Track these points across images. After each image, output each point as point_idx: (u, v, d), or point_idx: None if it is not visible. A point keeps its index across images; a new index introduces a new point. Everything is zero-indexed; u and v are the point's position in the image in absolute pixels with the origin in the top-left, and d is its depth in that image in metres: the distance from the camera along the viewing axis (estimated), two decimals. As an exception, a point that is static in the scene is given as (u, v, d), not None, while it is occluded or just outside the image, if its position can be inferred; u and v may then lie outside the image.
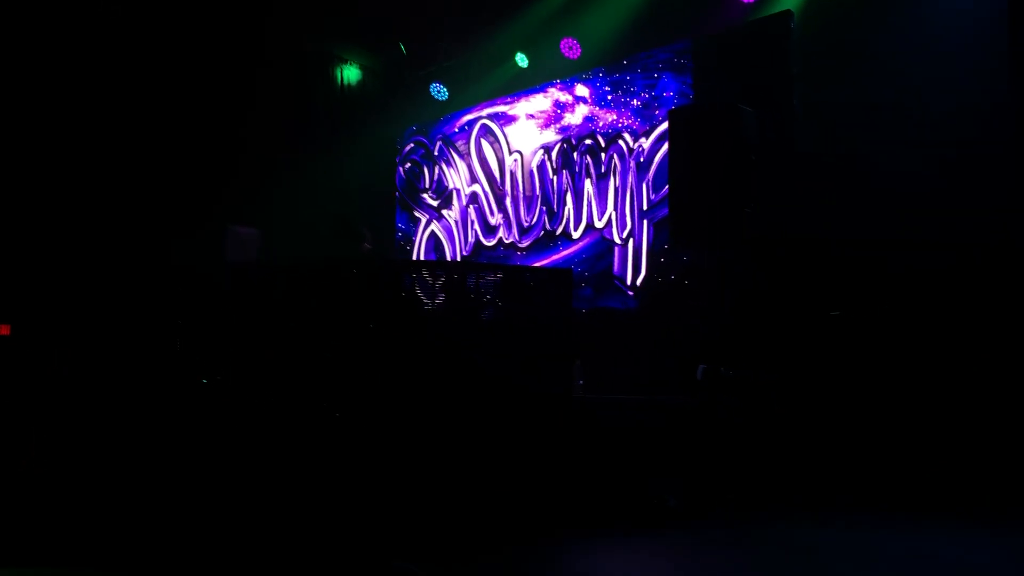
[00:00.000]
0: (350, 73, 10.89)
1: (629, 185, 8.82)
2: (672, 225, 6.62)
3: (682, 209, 6.44)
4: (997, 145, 5.83)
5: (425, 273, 6.28)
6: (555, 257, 9.54)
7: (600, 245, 9.08)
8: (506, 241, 10.14)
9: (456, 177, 10.83)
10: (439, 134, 11.03)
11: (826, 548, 3.99)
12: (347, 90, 10.83)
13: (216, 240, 8.46)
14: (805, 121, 6.71)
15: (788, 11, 7.01)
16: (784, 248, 6.22)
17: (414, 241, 11.28)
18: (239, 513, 4.69)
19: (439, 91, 10.72)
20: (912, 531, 4.27)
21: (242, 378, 6.32)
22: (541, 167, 9.81)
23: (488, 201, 10.41)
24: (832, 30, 6.84)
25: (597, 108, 9.24)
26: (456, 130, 10.82)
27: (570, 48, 9.24)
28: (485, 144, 10.46)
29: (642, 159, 8.68)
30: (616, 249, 8.88)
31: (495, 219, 10.32)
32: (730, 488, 5.34)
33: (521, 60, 9.80)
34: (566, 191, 9.47)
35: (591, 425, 6.44)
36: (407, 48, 10.40)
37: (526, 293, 6.70)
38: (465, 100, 10.54)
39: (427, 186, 11.19)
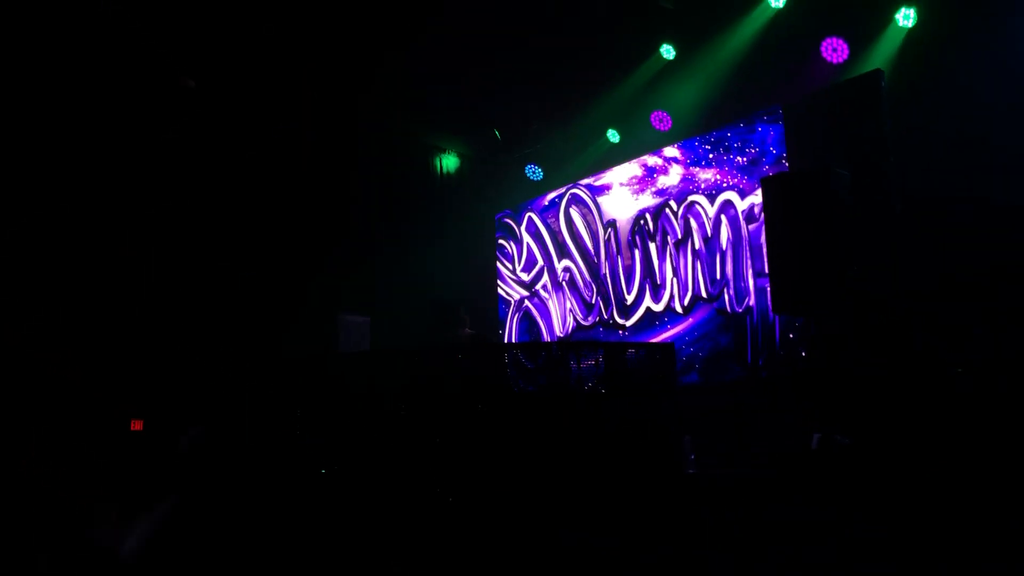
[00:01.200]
0: (448, 161, 11.30)
1: (744, 250, 8.12)
2: (773, 291, 6.51)
3: (782, 275, 6.33)
4: None
5: (523, 355, 6.34)
6: (662, 336, 8.84)
7: (713, 320, 8.33)
8: (606, 319, 9.72)
9: (548, 254, 10.70)
10: (528, 212, 11.00)
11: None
12: (446, 178, 11.23)
13: (326, 329, 8.81)
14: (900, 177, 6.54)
15: (879, 70, 6.89)
16: (882, 309, 6.01)
17: (504, 323, 11.10)
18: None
19: (534, 172, 10.97)
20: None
21: (357, 465, 6.49)
22: (640, 234, 9.37)
23: (583, 276, 10.15)
24: (923, 81, 6.71)
25: (696, 168, 8.73)
26: (546, 204, 10.77)
27: (660, 121, 9.33)
28: (576, 215, 10.28)
29: (755, 220, 8.00)
30: (732, 323, 8.17)
31: (592, 296, 9.99)
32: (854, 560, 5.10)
33: (613, 136, 9.94)
34: (668, 259, 8.96)
35: (704, 500, 6.30)
36: (501, 133, 10.70)
37: (628, 370, 6.65)
38: (559, 179, 10.69)
39: (516, 266, 11.13)
